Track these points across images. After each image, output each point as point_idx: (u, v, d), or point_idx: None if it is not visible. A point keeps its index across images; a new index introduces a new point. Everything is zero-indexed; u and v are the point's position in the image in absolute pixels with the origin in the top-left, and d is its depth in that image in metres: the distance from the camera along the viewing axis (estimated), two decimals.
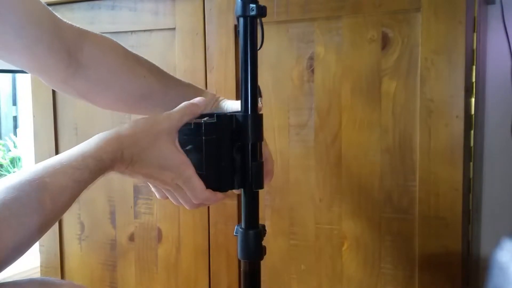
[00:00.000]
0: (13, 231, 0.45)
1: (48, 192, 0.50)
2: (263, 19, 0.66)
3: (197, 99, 0.67)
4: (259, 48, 0.66)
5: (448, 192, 0.87)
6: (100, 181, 1.23)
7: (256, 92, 0.66)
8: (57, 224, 1.25)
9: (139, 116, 0.66)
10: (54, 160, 0.53)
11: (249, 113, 0.64)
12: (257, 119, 0.65)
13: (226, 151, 0.64)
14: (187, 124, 0.63)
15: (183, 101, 0.66)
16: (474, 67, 0.92)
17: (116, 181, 1.18)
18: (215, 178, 0.64)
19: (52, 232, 1.25)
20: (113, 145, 0.57)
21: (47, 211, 0.49)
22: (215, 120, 0.63)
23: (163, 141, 0.61)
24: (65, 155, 0.54)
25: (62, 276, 1.26)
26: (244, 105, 0.65)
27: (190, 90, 0.77)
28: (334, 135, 0.95)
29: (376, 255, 0.94)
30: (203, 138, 0.62)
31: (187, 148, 0.63)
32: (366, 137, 0.93)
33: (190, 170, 0.62)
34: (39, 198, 0.49)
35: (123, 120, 1.15)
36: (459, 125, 0.86)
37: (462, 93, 0.86)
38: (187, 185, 0.63)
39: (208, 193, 0.64)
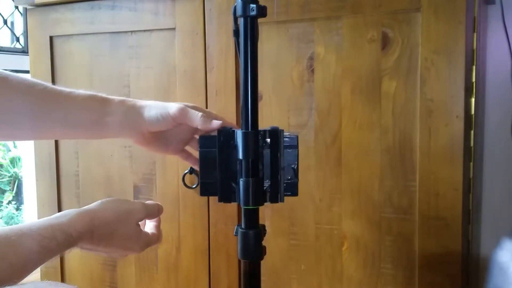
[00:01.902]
0: None
1: (12, 248, 0.50)
2: (263, 19, 0.66)
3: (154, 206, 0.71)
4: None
5: (448, 192, 0.87)
6: (100, 181, 1.24)
7: (256, 107, 0.67)
8: None
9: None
10: (23, 225, 0.54)
11: (242, 130, 0.65)
12: (248, 136, 0.65)
13: (223, 164, 0.67)
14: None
15: (88, 115, 0.68)
16: (474, 67, 0.92)
17: (116, 181, 1.18)
18: (211, 187, 0.68)
19: None
20: (85, 225, 0.59)
21: (7, 266, 0.49)
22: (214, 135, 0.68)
23: (132, 228, 0.66)
24: (35, 223, 0.55)
25: (62, 276, 1.26)
26: (244, 123, 0.66)
27: (93, 103, 0.69)
28: (334, 135, 0.95)
29: (376, 255, 0.94)
30: (199, 149, 0.68)
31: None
32: (366, 137, 0.93)
33: (146, 245, 0.68)
34: (2, 252, 0.49)
35: None
36: (459, 125, 0.86)
37: (462, 93, 0.86)
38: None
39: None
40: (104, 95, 0.70)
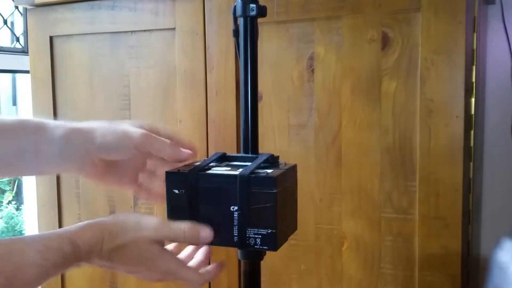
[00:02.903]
0: None
1: (11, 261, 0.45)
2: (263, 19, 0.66)
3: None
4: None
5: (448, 192, 0.87)
6: None
7: (256, 108, 0.65)
8: (57, 224, 1.25)
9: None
10: (28, 235, 0.49)
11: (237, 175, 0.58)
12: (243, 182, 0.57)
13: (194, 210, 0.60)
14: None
15: (15, 146, 0.56)
16: (474, 67, 0.92)
17: None
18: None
19: None
20: (93, 236, 0.52)
21: (4, 281, 0.43)
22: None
23: (145, 246, 0.55)
24: (41, 234, 0.50)
25: (62, 276, 1.26)
26: (244, 124, 0.64)
27: (21, 130, 0.58)
28: (334, 135, 0.95)
29: (376, 255, 0.94)
30: (166, 189, 0.60)
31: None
32: (366, 137, 0.93)
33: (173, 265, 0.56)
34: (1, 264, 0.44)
35: (123, 120, 1.15)
36: (459, 125, 0.86)
37: (462, 93, 0.86)
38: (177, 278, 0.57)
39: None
40: (37, 119, 0.58)
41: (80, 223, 0.53)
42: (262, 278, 0.66)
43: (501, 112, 1.18)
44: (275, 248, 0.58)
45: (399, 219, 0.92)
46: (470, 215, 0.95)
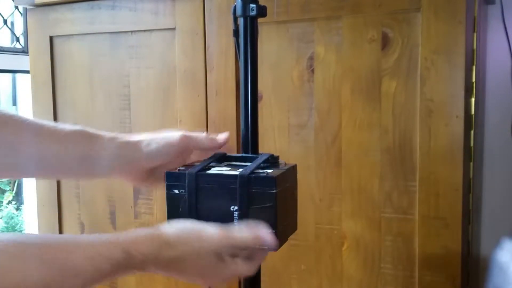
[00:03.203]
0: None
1: (59, 265, 0.44)
2: (263, 19, 0.66)
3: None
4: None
5: (448, 192, 0.87)
6: (100, 181, 1.24)
7: (256, 108, 0.65)
8: (57, 224, 1.25)
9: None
10: (82, 236, 0.49)
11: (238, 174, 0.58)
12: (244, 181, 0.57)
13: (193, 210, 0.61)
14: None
15: (72, 152, 0.60)
16: (474, 67, 0.92)
17: (116, 181, 1.18)
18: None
19: (53, 232, 1.24)
20: (150, 248, 0.51)
21: (48, 277, 0.43)
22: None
23: (207, 258, 0.55)
24: (96, 236, 0.50)
25: None
26: (244, 124, 0.65)
27: (79, 138, 0.63)
28: (334, 135, 0.95)
29: (376, 255, 0.94)
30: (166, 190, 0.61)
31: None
32: (366, 137, 0.93)
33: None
34: (46, 274, 0.43)
35: (122, 121, 1.15)
36: (459, 125, 0.86)
37: (462, 93, 0.86)
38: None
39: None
40: (92, 130, 0.63)
41: (138, 231, 0.53)
42: (262, 278, 0.66)
43: (501, 112, 1.18)
44: (275, 248, 0.58)
45: (399, 219, 0.92)
46: (470, 215, 0.95)
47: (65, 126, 0.61)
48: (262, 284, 0.67)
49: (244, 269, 0.57)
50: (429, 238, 0.89)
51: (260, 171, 0.58)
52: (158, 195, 1.13)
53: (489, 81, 1.19)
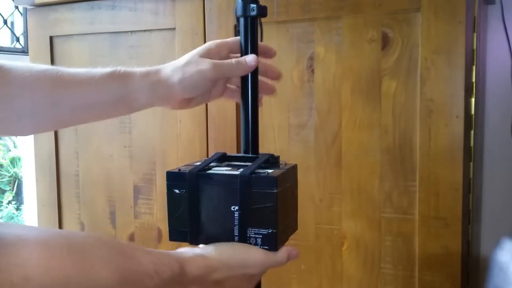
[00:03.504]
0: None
1: (133, 263, 0.46)
2: (263, 19, 0.66)
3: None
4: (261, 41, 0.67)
5: (448, 192, 0.87)
6: (100, 181, 1.24)
7: (257, 108, 0.66)
8: (57, 224, 1.25)
9: None
10: (137, 246, 0.50)
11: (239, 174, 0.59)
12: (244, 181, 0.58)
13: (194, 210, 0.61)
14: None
15: (109, 96, 0.63)
16: (474, 67, 0.92)
17: (116, 181, 1.18)
18: (182, 234, 0.63)
19: None
20: (199, 271, 0.54)
21: (122, 281, 0.44)
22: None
23: (245, 279, 0.59)
24: (151, 249, 0.51)
25: None
26: (244, 124, 0.65)
27: (112, 82, 0.64)
28: (334, 135, 0.95)
29: (376, 255, 0.94)
30: (166, 189, 0.62)
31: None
32: (366, 137, 0.93)
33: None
34: (123, 263, 0.45)
35: (122, 121, 1.15)
36: (459, 125, 0.86)
37: (462, 93, 0.86)
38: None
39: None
40: (124, 69, 0.65)
41: (184, 251, 0.56)
42: (262, 278, 0.66)
43: (501, 112, 1.18)
44: (275, 248, 0.58)
45: (399, 219, 0.92)
46: (470, 215, 0.95)
47: (97, 70, 0.63)
48: (262, 284, 0.67)
49: (275, 265, 0.61)
50: (429, 238, 0.89)
51: (261, 171, 0.58)
52: (158, 195, 1.13)
53: (489, 81, 1.19)
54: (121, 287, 0.44)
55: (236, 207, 0.57)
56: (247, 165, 0.60)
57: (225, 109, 1.03)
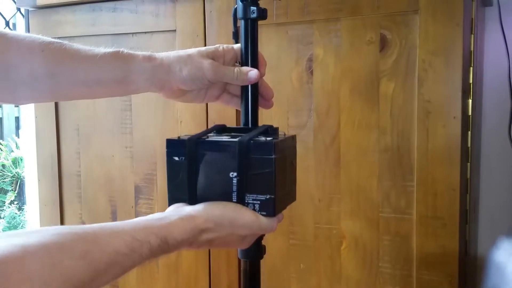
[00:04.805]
0: (48, 273, 0.41)
1: (98, 247, 0.45)
2: (263, 21, 0.67)
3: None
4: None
5: (445, 192, 0.88)
6: (102, 181, 1.24)
7: (257, 109, 0.66)
8: (59, 223, 1.26)
9: None
10: (117, 223, 0.50)
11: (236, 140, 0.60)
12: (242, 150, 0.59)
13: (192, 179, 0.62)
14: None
15: (110, 75, 0.64)
16: (471, 68, 0.92)
17: (118, 181, 1.19)
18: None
19: None
20: (184, 234, 0.54)
21: (88, 266, 0.43)
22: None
23: (236, 237, 0.60)
24: (130, 222, 0.51)
25: None
26: (244, 124, 0.65)
27: (115, 61, 0.65)
28: (333, 136, 0.96)
29: (375, 255, 0.95)
30: (166, 156, 0.62)
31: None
32: (364, 138, 0.94)
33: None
34: (85, 249, 0.44)
35: (123, 122, 1.16)
36: (457, 126, 0.87)
37: (459, 94, 0.86)
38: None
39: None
40: (127, 51, 0.65)
41: (171, 214, 0.56)
42: (262, 277, 0.67)
43: (498, 113, 1.19)
44: (273, 213, 0.59)
45: (397, 219, 0.93)
46: (467, 215, 0.96)
47: (100, 49, 0.64)
48: (262, 284, 0.68)
49: (264, 230, 0.62)
50: (426, 238, 0.90)
51: (260, 138, 0.59)
52: (159, 195, 1.14)
53: (487, 82, 1.20)
54: (95, 275, 0.44)
55: (235, 174, 0.58)
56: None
57: (225, 109, 1.04)
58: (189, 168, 0.60)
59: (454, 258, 0.88)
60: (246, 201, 0.59)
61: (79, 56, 0.63)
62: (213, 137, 0.61)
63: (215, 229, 0.57)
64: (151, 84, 0.66)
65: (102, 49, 0.64)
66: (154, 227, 0.52)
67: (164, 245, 0.51)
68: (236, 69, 0.66)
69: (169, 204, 0.62)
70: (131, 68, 0.64)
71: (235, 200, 0.59)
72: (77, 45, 0.64)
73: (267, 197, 0.58)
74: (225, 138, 0.61)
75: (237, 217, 0.58)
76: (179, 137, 0.61)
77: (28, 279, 0.39)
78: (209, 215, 0.57)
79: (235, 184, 0.58)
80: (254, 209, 0.59)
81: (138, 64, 0.65)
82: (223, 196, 0.59)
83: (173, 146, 0.61)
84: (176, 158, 0.60)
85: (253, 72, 0.65)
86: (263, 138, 0.58)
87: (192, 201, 0.60)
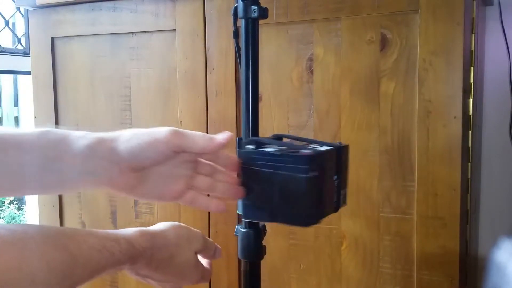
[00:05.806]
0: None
1: (76, 243, 0.46)
2: (263, 21, 0.67)
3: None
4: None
5: (446, 192, 0.88)
6: None
7: (257, 108, 0.67)
8: (59, 224, 1.26)
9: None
10: (89, 230, 0.50)
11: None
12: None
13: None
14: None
15: (33, 159, 0.51)
16: (472, 68, 0.92)
17: None
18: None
19: None
20: (146, 243, 0.54)
21: (68, 257, 0.44)
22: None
23: (191, 255, 0.60)
24: (100, 230, 0.51)
25: None
26: (245, 124, 0.66)
27: (42, 142, 0.52)
28: (333, 136, 0.96)
29: (375, 255, 0.95)
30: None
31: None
32: (365, 138, 0.94)
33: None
34: (64, 242, 0.45)
35: (124, 121, 1.16)
36: (457, 126, 0.87)
37: (460, 93, 0.86)
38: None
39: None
40: (62, 131, 0.53)
41: (130, 229, 0.55)
42: (262, 277, 0.67)
43: (499, 112, 1.19)
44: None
45: (397, 218, 0.92)
46: (468, 215, 0.96)
47: (26, 131, 0.52)
48: (262, 284, 0.68)
49: (208, 273, 0.64)
50: (427, 238, 0.90)
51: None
52: None
53: (487, 82, 1.20)
54: (74, 268, 0.44)
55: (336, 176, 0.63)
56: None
57: (225, 109, 1.04)
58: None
59: (454, 258, 0.88)
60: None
61: (2, 141, 0.51)
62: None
63: (172, 244, 0.58)
64: (89, 169, 0.52)
65: (31, 130, 0.52)
66: (123, 234, 0.52)
67: (132, 249, 0.52)
68: (200, 133, 0.56)
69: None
70: (60, 148, 0.52)
71: (335, 201, 0.62)
72: (5, 129, 0.52)
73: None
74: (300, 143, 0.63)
75: (189, 231, 0.61)
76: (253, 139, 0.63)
77: (17, 268, 0.39)
78: (162, 231, 0.58)
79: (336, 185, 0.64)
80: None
81: (72, 143, 0.52)
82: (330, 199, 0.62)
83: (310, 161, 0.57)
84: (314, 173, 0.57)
85: (222, 137, 0.57)
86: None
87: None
